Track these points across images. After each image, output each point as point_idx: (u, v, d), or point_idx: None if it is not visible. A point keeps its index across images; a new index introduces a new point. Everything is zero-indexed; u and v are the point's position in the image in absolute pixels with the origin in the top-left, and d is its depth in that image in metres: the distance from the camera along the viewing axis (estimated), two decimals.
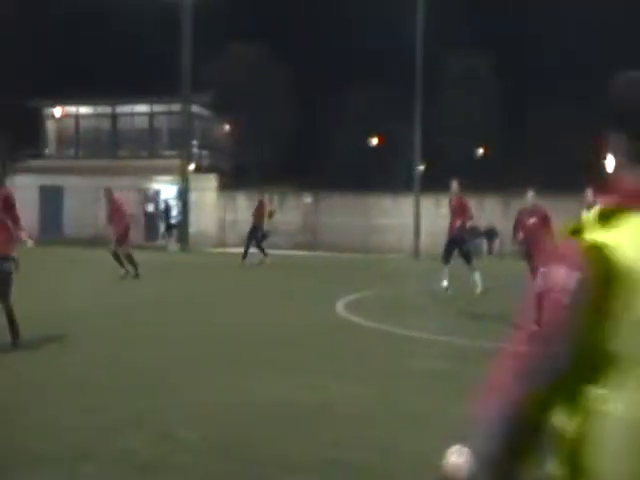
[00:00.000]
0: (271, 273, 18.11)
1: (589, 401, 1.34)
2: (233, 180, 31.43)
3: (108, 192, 16.34)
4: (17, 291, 7.77)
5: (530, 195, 10.57)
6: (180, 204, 28.31)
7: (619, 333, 1.32)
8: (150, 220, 31.54)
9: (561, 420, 1.37)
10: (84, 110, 36.37)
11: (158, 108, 34.87)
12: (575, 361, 1.34)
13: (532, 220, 10.23)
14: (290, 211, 29.24)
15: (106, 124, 36.09)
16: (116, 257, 15.10)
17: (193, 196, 29.08)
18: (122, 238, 15.29)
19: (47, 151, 36.40)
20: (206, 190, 30.58)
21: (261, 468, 4.48)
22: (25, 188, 32.81)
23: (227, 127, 37.21)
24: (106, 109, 35.75)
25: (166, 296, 13.05)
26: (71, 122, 36.52)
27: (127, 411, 5.62)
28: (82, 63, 40.28)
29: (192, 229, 28.43)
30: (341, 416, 5.58)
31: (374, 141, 38.94)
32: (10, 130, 38.05)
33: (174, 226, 27.78)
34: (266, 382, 6.59)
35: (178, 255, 24.92)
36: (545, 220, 10.16)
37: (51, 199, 32.43)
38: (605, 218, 1.39)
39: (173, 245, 27.11)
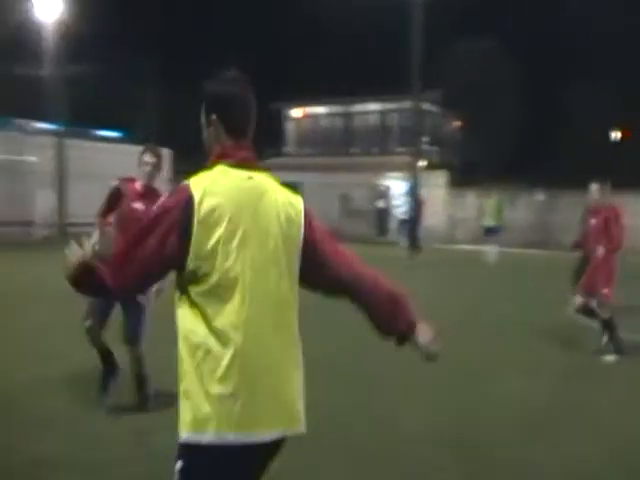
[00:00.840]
0: (500, 271, 17.82)
1: (182, 284, 2.08)
2: (463, 177, 31.22)
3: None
4: None
5: (594, 189, 7.96)
6: (410, 201, 28.72)
7: (193, 241, 2.02)
8: (381, 216, 32.37)
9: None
10: (320, 110, 38.29)
11: (389, 106, 35.62)
12: (173, 257, 2.04)
13: (593, 221, 7.92)
14: (521, 209, 28.39)
15: (340, 123, 37.66)
16: None
17: (423, 193, 29.39)
18: None
19: (287, 149, 38.87)
20: (436, 187, 30.72)
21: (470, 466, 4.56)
22: None
23: (457, 123, 37.02)
24: (340, 108, 37.28)
25: None
26: (308, 122, 38.66)
27: (359, 398, 5.94)
28: (319, 65, 42.43)
29: (421, 225, 28.78)
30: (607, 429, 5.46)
31: (616, 135, 36.41)
32: (256, 131, 41.22)
33: (405, 222, 28.26)
34: (500, 381, 6.62)
35: (408, 250, 25.34)
36: (607, 221, 7.73)
37: None
38: (204, 170, 2.17)
39: (404, 241, 27.63)
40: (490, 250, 21.17)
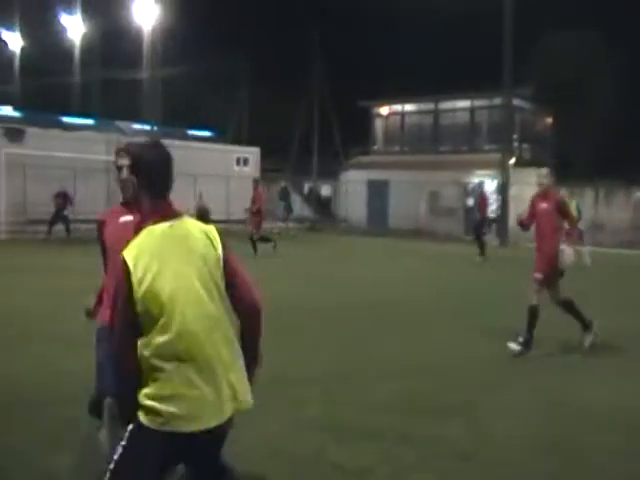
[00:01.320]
0: (593, 273, 17.27)
1: (143, 337, 2.50)
2: (555, 174, 30.37)
3: (255, 183, 18.91)
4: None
5: (543, 174, 8.40)
6: (500, 198, 28.23)
7: (140, 301, 2.48)
8: (470, 214, 31.90)
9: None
10: (408, 108, 38.05)
11: (479, 103, 35.03)
12: (133, 316, 2.49)
13: (543, 205, 8.12)
14: (618, 207, 27.37)
15: (429, 120, 37.29)
16: (252, 242, 17.54)
17: (513, 190, 28.80)
18: (258, 225, 17.97)
19: (375, 147, 38.84)
20: (526, 184, 29.98)
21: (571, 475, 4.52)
22: (356, 182, 35.60)
23: (549, 120, 36.00)
24: (429, 106, 36.91)
25: (486, 287, 13.33)
26: (396, 119, 38.49)
27: (452, 398, 5.96)
28: (407, 62, 42.21)
29: (512, 223, 28.21)
30: None
31: None
32: (344, 129, 41.51)
33: (494, 220, 27.76)
34: (605, 388, 6.49)
35: (497, 249, 24.97)
36: (559, 205, 8.15)
37: (378, 192, 34.61)
38: (136, 232, 2.65)
39: (493, 239, 27.18)
40: (583, 251, 20.53)
